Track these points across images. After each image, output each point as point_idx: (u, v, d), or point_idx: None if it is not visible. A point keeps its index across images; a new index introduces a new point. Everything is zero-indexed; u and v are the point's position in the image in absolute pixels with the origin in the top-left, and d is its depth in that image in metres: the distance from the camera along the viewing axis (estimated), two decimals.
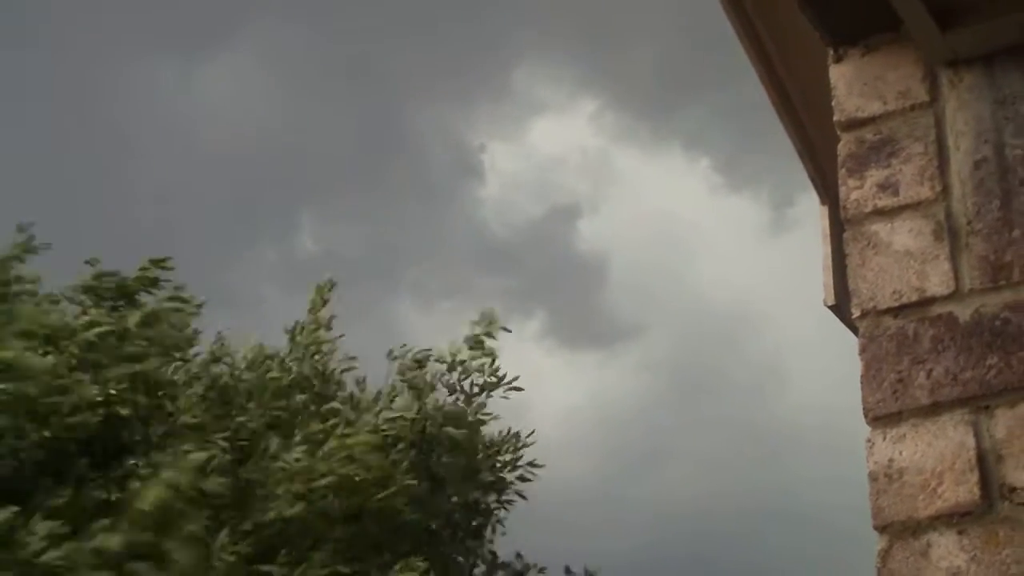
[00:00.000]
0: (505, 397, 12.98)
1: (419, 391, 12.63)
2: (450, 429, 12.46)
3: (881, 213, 2.54)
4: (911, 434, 2.37)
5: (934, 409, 2.36)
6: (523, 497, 13.06)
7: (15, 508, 9.03)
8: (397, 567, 11.01)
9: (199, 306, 11.99)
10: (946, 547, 2.27)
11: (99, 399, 10.22)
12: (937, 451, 2.34)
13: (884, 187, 2.56)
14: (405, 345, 13.10)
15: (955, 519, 2.28)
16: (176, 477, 9.71)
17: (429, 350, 13.06)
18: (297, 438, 11.22)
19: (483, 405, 13.00)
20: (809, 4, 2.61)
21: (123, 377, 10.53)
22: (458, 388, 12.97)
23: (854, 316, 2.50)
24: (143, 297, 11.66)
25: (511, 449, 12.95)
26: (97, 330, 10.62)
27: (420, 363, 12.92)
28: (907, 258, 2.48)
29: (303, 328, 12.64)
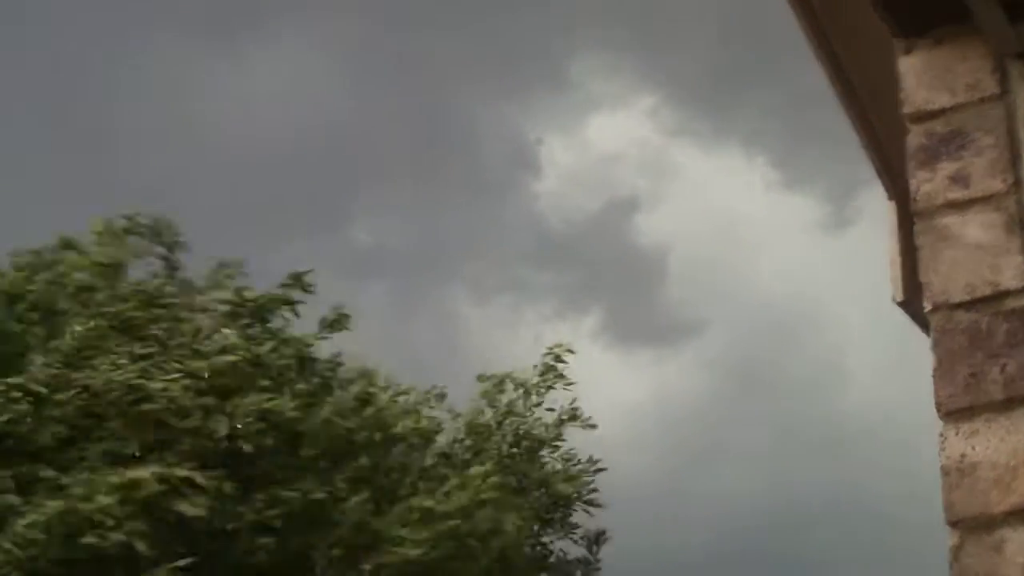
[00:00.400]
0: (584, 426, 13.10)
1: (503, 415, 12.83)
2: (561, 486, 12.65)
3: (952, 206, 2.52)
4: (984, 429, 2.35)
5: (1008, 404, 2.34)
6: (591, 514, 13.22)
7: None
8: None
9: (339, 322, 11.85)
10: (1020, 543, 2.25)
11: (224, 433, 10.13)
12: (1011, 446, 2.31)
13: (955, 179, 2.53)
14: (493, 375, 13.16)
15: None
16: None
17: (510, 373, 13.16)
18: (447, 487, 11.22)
19: (560, 436, 13.10)
20: None
21: (252, 412, 10.34)
22: (531, 416, 13.03)
23: (926, 310, 2.48)
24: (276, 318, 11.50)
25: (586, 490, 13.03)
26: (231, 357, 10.44)
27: (500, 387, 13.06)
28: (979, 251, 2.46)
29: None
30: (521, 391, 13.08)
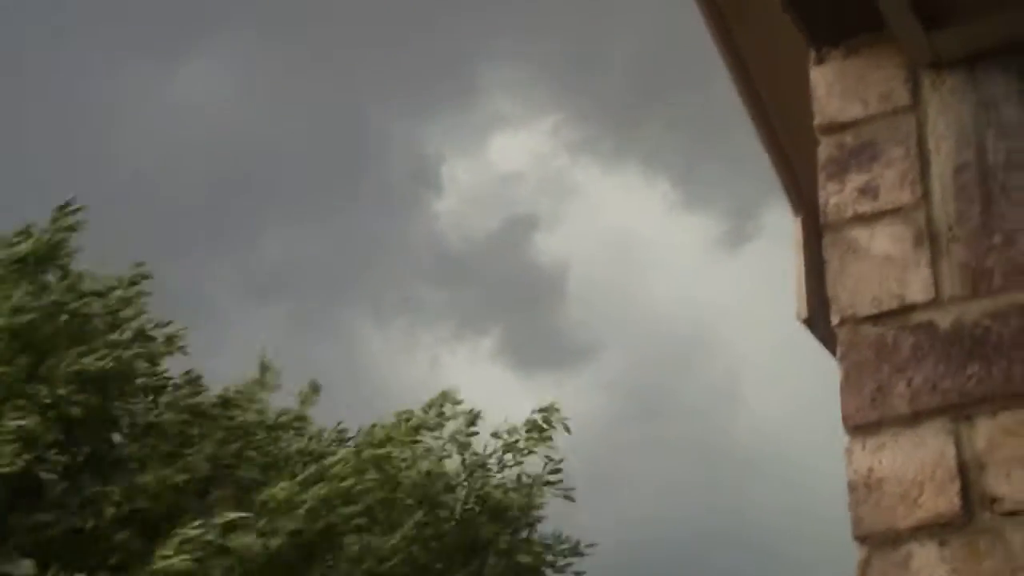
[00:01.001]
0: (558, 495, 12.63)
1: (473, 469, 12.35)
2: (521, 557, 12.09)
3: (861, 219, 2.49)
4: (891, 443, 2.32)
5: (914, 418, 2.31)
6: None
7: None
8: None
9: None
10: (926, 558, 2.22)
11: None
12: (917, 461, 2.29)
13: (864, 192, 2.51)
14: (462, 402, 12.71)
15: (936, 530, 2.23)
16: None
17: (479, 413, 12.70)
18: None
19: (538, 497, 12.61)
20: (792, 3, 2.56)
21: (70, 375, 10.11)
22: (508, 469, 12.56)
23: (833, 323, 2.44)
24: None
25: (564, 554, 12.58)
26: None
27: (472, 423, 12.59)
28: (887, 264, 2.43)
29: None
30: (499, 443, 12.53)
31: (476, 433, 12.67)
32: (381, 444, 11.24)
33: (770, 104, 3.71)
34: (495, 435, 12.66)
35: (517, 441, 12.61)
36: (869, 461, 2.32)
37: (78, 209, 11.23)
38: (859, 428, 2.35)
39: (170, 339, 11.53)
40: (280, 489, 10.27)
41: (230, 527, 9.88)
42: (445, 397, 12.55)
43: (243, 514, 10.02)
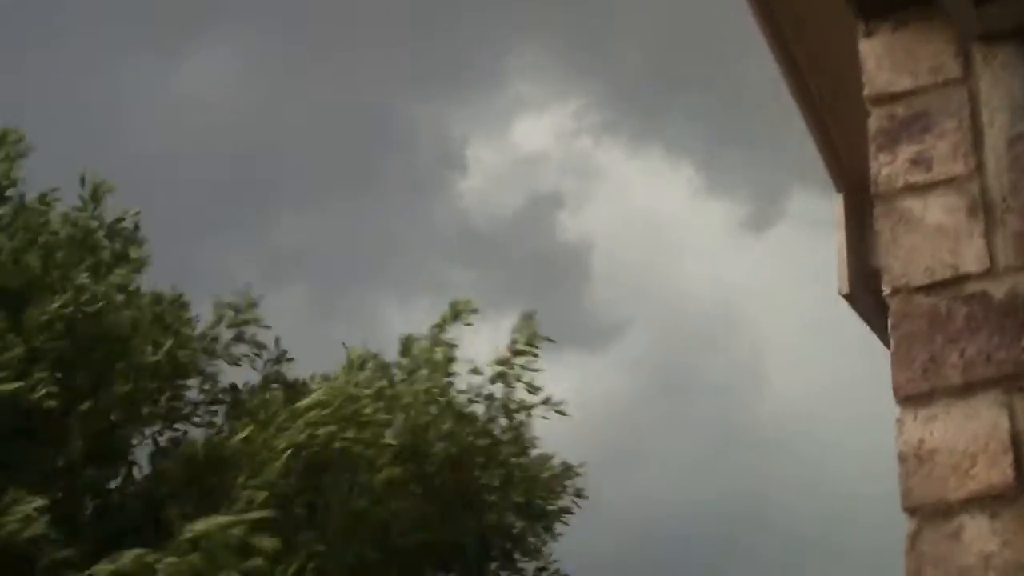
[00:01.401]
0: (546, 417, 12.50)
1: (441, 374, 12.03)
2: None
3: (913, 189, 2.48)
4: (943, 414, 2.30)
5: (967, 389, 2.30)
6: (565, 523, 12.66)
7: None
8: None
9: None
10: (978, 530, 2.21)
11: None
12: (970, 432, 2.27)
13: (916, 162, 2.49)
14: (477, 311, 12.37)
15: (987, 502, 2.22)
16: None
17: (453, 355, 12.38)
18: None
19: (523, 424, 12.46)
20: None
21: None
22: (497, 403, 12.37)
23: (885, 293, 2.43)
24: None
25: (563, 480, 12.44)
26: None
27: (450, 364, 12.27)
28: (940, 235, 2.42)
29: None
30: (486, 376, 12.31)
31: (453, 376, 12.39)
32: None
33: (811, 82, 3.69)
34: (475, 371, 12.45)
35: (503, 372, 12.38)
36: (920, 432, 2.31)
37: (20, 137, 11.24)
38: (910, 399, 2.34)
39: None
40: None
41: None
42: (457, 307, 12.35)
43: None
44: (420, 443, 11.62)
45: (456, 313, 12.39)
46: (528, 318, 12.52)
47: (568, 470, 12.60)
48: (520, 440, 12.44)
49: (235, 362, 11.79)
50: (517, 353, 12.36)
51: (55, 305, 10.00)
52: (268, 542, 9.56)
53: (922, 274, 2.40)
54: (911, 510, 2.27)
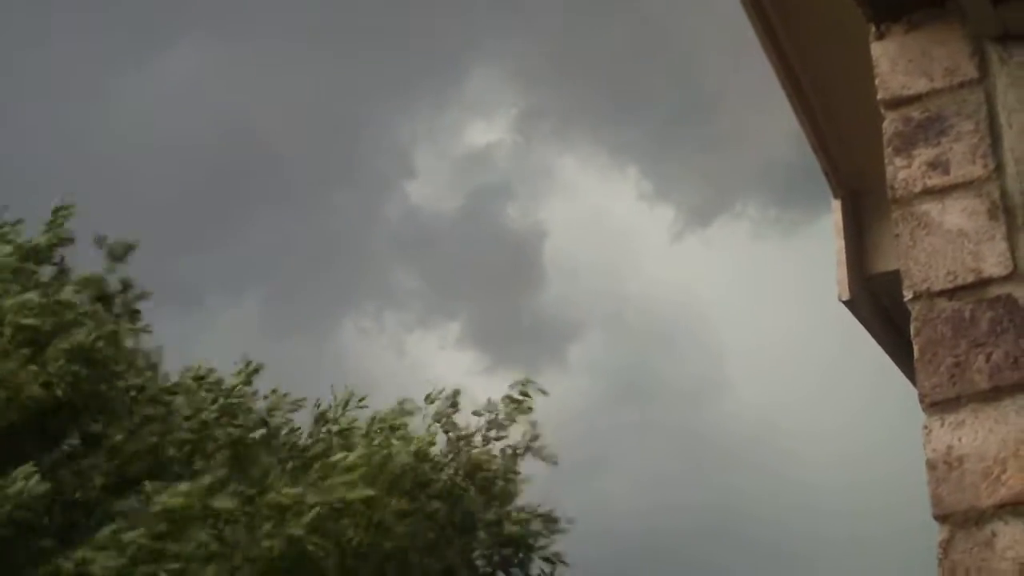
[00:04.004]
0: (546, 461, 12.95)
1: (457, 440, 12.52)
2: (513, 528, 12.34)
3: (931, 192, 2.45)
4: (971, 420, 2.27)
5: (995, 394, 2.27)
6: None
7: None
8: None
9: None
10: (1012, 536, 2.17)
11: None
12: (999, 437, 2.24)
13: (934, 166, 2.46)
14: (444, 389, 12.95)
15: (1021, 508, 2.18)
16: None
17: (458, 393, 12.97)
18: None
19: (515, 468, 12.88)
20: None
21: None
22: (493, 443, 12.81)
23: (906, 298, 2.40)
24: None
25: (545, 533, 12.81)
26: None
27: (455, 405, 12.81)
28: (961, 238, 2.38)
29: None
30: (481, 419, 12.80)
31: (457, 411, 12.95)
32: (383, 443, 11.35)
33: (807, 87, 3.67)
34: (476, 413, 12.98)
35: (497, 416, 12.92)
36: (948, 439, 2.27)
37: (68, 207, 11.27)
38: (936, 405, 2.30)
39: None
40: (285, 495, 10.29)
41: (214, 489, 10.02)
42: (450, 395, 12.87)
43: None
44: (423, 473, 11.87)
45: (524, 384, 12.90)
46: (528, 381, 13.07)
47: (550, 516, 12.88)
48: (511, 478, 12.81)
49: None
50: (513, 403, 12.92)
51: None
52: (228, 501, 9.85)
53: (944, 278, 2.37)
54: (942, 517, 2.23)
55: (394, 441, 11.65)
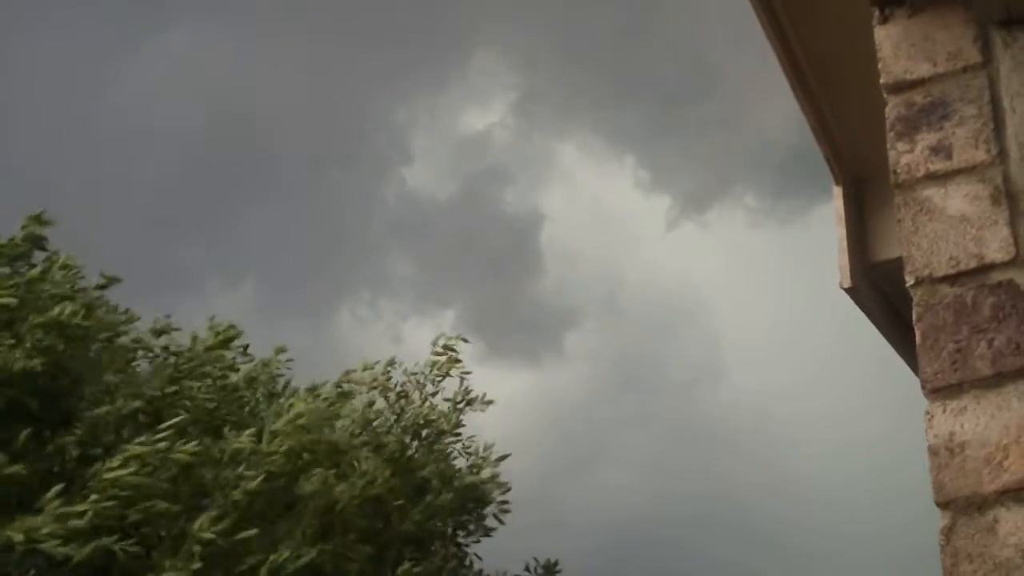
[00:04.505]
0: (480, 410, 13.15)
1: (396, 399, 12.68)
2: (470, 479, 12.54)
3: (934, 177, 2.43)
4: (973, 406, 2.26)
5: (997, 380, 2.26)
6: (501, 522, 13.06)
7: None
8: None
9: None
10: (1015, 523, 2.16)
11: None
12: (1001, 423, 2.23)
13: (936, 151, 2.45)
14: (378, 362, 13.06)
15: (1023, 494, 2.17)
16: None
17: (394, 361, 13.10)
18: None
19: (459, 423, 13.00)
20: None
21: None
22: (431, 403, 12.97)
23: (908, 284, 2.38)
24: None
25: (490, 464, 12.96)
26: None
27: (389, 373, 12.95)
28: (963, 223, 2.37)
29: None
30: (413, 378, 12.99)
31: (390, 378, 13.06)
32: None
33: (809, 74, 3.65)
34: (412, 373, 13.14)
35: (431, 370, 13.10)
36: (950, 425, 2.26)
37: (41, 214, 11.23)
38: (938, 391, 2.29)
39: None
40: (248, 439, 10.51)
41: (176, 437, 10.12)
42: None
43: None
44: (371, 438, 12.08)
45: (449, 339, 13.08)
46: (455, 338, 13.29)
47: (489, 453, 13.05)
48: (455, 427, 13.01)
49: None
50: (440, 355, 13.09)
51: None
52: (188, 447, 9.96)
53: (946, 264, 2.36)
54: (943, 504, 2.22)
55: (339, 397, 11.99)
